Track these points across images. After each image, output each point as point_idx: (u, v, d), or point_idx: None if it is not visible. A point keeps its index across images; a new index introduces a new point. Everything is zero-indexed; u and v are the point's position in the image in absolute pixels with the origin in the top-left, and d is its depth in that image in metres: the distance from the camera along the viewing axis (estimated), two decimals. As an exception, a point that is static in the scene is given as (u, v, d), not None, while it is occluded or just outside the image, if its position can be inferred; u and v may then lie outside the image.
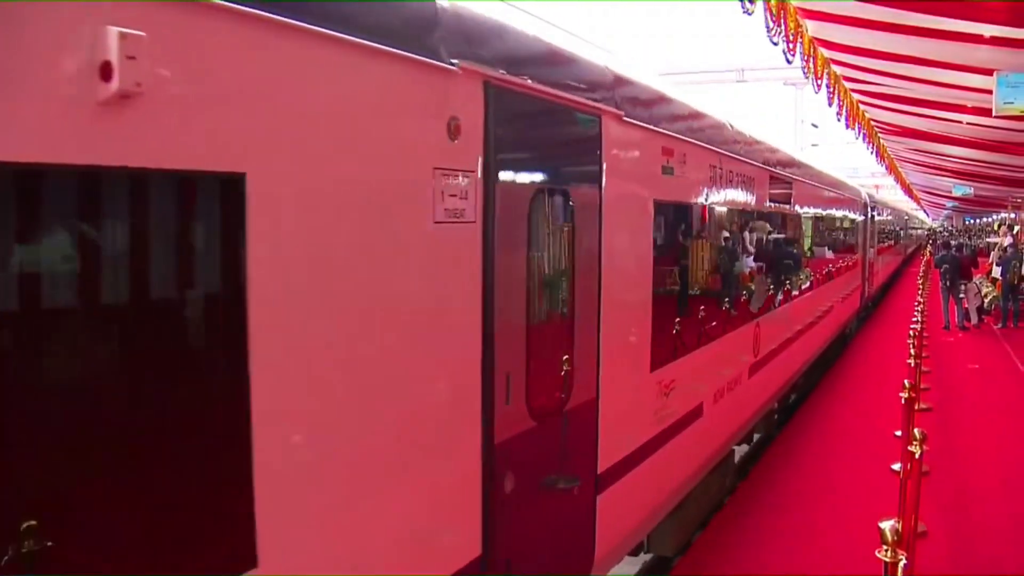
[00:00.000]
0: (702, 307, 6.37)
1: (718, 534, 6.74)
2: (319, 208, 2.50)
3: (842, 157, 35.23)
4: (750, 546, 6.44)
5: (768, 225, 8.87)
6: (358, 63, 2.63)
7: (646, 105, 5.16)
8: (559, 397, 4.03)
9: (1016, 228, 28.80)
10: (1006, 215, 34.25)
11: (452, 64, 3.05)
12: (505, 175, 3.44)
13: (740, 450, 9.33)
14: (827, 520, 6.99)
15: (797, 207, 10.41)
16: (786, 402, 11.29)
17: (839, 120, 16.43)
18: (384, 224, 2.79)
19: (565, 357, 4.06)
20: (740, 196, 7.40)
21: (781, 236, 9.63)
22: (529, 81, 3.58)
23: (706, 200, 6.35)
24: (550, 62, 4.07)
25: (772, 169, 8.77)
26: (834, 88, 14.07)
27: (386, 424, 2.85)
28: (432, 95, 3.01)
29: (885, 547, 4.06)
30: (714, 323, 6.59)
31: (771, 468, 8.48)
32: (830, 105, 14.76)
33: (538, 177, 3.89)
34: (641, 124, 4.88)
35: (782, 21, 9.41)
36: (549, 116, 3.91)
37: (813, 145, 32.10)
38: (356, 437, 2.72)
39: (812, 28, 11.07)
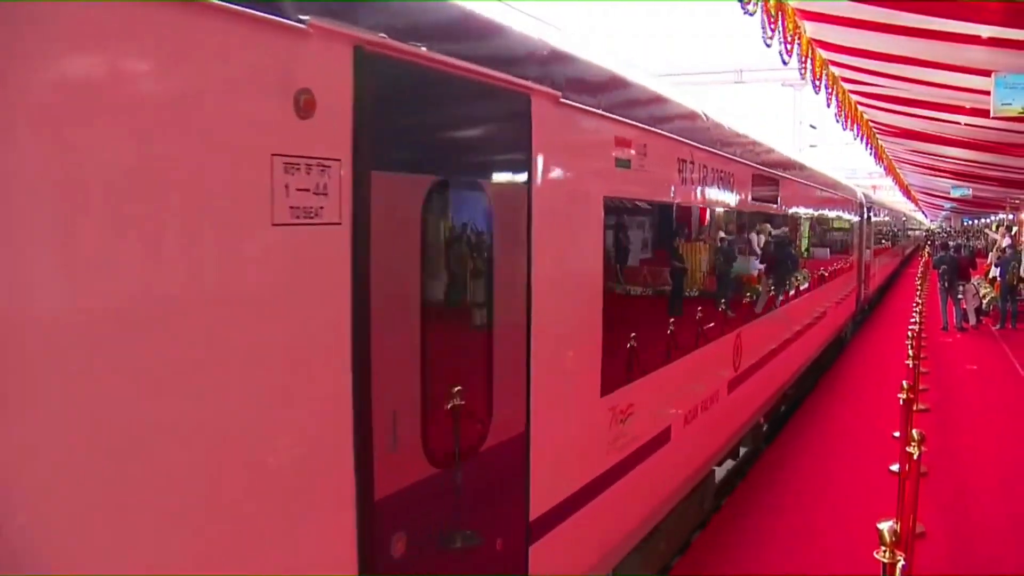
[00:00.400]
0: (669, 319, 5.69)
1: (717, 535, 6.75)
2: (82, 201, 1.91)
3: (841, 158, 35.38)
4: (749, 546, 6.45)
5: (751, 226, 8.19)
6: (142, 15, 2.00)
7: (594, 86, 4.47)
8: (472, 435, 3.37)
9: (1014, 229, 28.85)
10: (1004, 216, 34.30)
11: (300, 22, 2.40)
12: (388, 165, 2.80)
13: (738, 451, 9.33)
14: (826, 521, 6.99)
15: (785, 207, 9.82)
16: (777, 412, 10.82)
17: (838, 121, 16.46)
18: (189, 225, 2.14)
19: (480, 386, 3.40)
20: (717, 194, 6.75)
21: (766, 238, 8.94)
22: (424, 49, 2.91)
23: (674, 198, 5.66)
24: (458, 28, 3.37)
25: (757, 166, 8.09)
26: (833, 89, 14.09)
27: (199, 493, 2.18)
28: (267, 61, 2.34)
29: (884, 548, 4.07)
30: (684, 336, 5.94)
31: (770, 469, 8.48)
32: (829, 106, 14.78)
33: (437, 168, 3.16)
34: (587, 108, 4.21)
35: (779, 22, 9.42)
36: (456, 94, 3.22)
37: (812, 146, 32.16)
38: (154, 508, 2.06)
39: (810, 29, 11.09)
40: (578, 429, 4.32)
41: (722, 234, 7.13)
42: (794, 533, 6.74)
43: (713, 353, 6.73)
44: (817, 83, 12.90)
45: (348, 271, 2.63)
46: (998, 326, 19.18)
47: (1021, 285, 20.13)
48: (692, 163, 5.89)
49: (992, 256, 24.59)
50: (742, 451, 9.38)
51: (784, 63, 10.60)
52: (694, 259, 6.40)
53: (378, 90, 2.70)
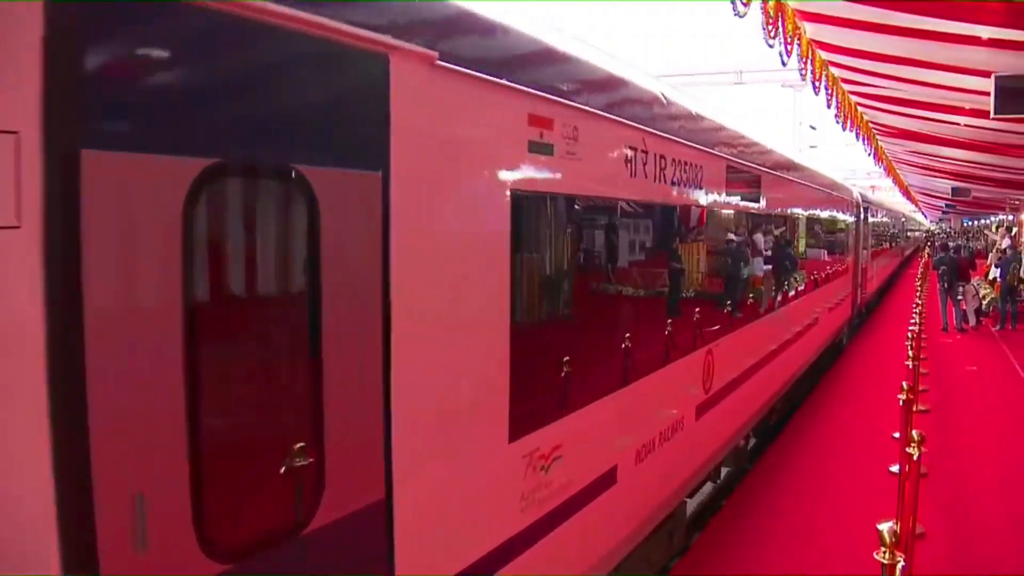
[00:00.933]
0: (613, 339, 4.87)
1: (717, 535, 6.75)
2: None
3: (841, 158, 35.45)
4: (749, 547, 6.45)
5: (724, 227, 7.31)
6: None
7: (494, 49, 3.59)
8: (287, 512, 2.50)
9: (1014, 230, 28.87)
10: (1004, 217, 34.33)
11: None
12: (116, 141, 1.99)
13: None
14: (826, 521, 6.99)
15: (769, 207, 8.97)
16: (766, 426, 10.15)
17: (837, 122, 16.46)
18: None
19: (302, 441, 2.52)
20: (680, 190, 5.81)
21: (743, 240, 8.03)
22: None
23: (619, 192, 4.84)
24: None
25: (734, 159, 7.21)
26: (832, 90, 14.09)
27: None
28: None
29: (884, 548, 4.07)
30: (634, 358, 5.07)
31: (769, 470, 8.48)
32: (829, 107, 14.78)
33: (215, 147, 2.27)
34: (482, 76, 3.32)
35: (779, 23, 9.43)
36: (256, 47, 2.38)
37: (812, 147, 32.18)
38: None
39: (810, 30, 11.09)
40: (472, 487, 3.42)
41: (685, 236, 6.29)
42: (794, 534, 6.74)
43: (675, 375, 5.84)
44: (817, 84, 12.90)
45: (39, 296, 1.85)
46: (998, 327, 19.19)
47: (1021, 286, 20.15)
48: (646, 152, 5.07)
49: (992, 257, 24.60)
50: (724, 471, 8.65)
51: (784, 64, 10.60)
52: (645, 266, 5.55)
53: (99, 29, 1.92)
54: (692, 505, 7.87)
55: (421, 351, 3.02)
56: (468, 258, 3.39)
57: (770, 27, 9.18)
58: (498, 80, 3.45)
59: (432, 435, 3.14)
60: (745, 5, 8.07)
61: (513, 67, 3.64)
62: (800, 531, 6.79)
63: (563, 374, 4.18)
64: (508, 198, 3.58)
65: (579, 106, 4.17)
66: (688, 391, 6.24)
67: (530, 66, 3.88)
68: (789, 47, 10.13)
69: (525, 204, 3.77)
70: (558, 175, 4.06)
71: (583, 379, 4.40)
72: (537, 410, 3.93)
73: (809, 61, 11.79)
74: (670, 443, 5.70)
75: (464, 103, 3.29)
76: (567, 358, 4.22)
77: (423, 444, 3.07)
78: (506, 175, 3.59)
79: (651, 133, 5.16)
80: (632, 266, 5.36)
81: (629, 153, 4.85)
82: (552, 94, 3.91)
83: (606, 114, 4.53)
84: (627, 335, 5.03)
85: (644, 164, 5.07)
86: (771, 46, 9.53)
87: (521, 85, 3.63)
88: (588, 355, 4.51)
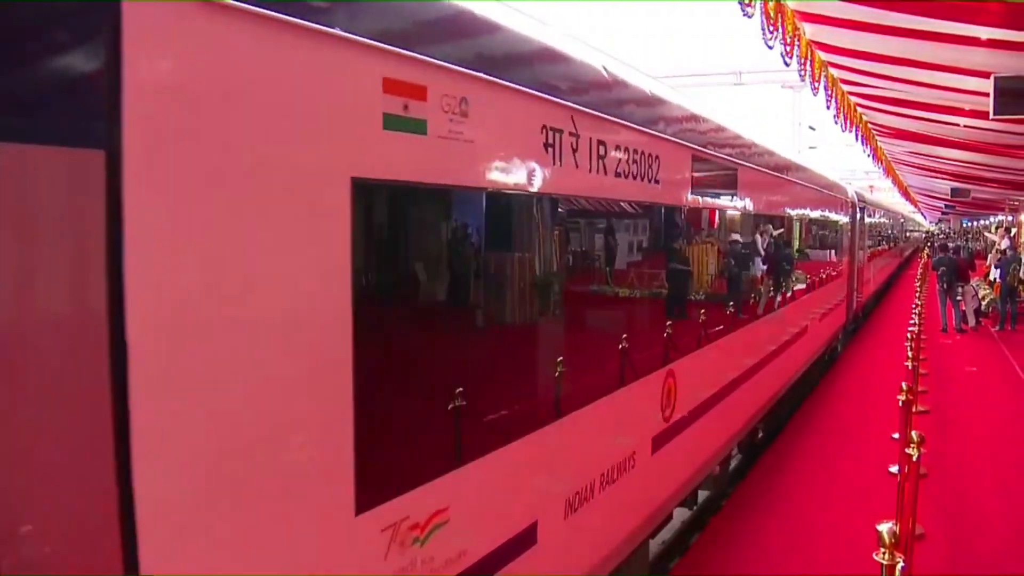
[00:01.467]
0: (521, 362, 3.95)
1: (716, 536, 6.75)
2: None
3: (840, 159, 35.50)
4: (749, 547, 6.45)
5: (691, 226, 6.40)
6: None
7: None
8: None
9: (1013, 231, 28.91)
10: (1003, 218, 34.37)
11: None
12: None
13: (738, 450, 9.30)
14: (825, 522, 6.99)
15: (746, 205, 8.00)
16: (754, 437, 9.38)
17: (836, 123, 16.48)
18: None
19: None
20: (629, 182, 4.88)
21: (718, 244, 7.14)
22: None
23: (534, 183, 3.81)
24: None
25: (697, 147, 6.17)
26: (832, 91, 14.12)
27: None
28: None
29: (883, 549, 4.08)
30: (558, 385, 4.13)
31: (768, 470, 8.49)
32: (828, 108, 14.80)
33: None
34: (291, 19, 2.40)
35: (779, 24, 9.45)
36: None
37: (811, 148, 32.22)
38: None
39: (810, 31, 11.11)
40: None
41: (636, 238, 5.45)
42: (794, 534, 6.74)
43: (623, 404, 4.91)
44: (816, 85, 12.92)
45: None
46: (997, 328, 19.20)
47: (1021, 287, 20.17)
48: (576, 135, 4.14)
49: (991, 258, 24.62)
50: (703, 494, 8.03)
51: (786, 64, 10.62)
52: (570, 270, 4.52)
53: None
54: (696, 504, 7.90)
55: (189, 394, 2.14)
56: (274, 268, 2.44)
57: (771, 28, 9.20)
58: (321, 27, 2.51)
59: (213, 514, 2.20)
60: (749, 6, 8.10)
61: (351, 10, 2.72)
62: (800, 531, 6.80)
63: (448, 412, 3.20)
64: (348, 190, 2.65)
65: (471, 72, 3.23)
66: (640, 422, 5.25)
67: (383, 12, 2.92)
68: (789, 48, 10.15)
69: (380, 198, 2.92)
70: (436, 160, 3.12)
71: (480, 418, 3.45)
72: (405, 466, 3.00)
73: (808, 62, 11.81)
74: (616, 485, 4.74)
75: (263, 58, 2.35)
76: (456, 391, 3.24)
77: (196, 529, 2.14)
78: (342, 159, 2.66)
79: (585, 112, 4.25)
80: (549, 271, 4.26)
81: (552, 136, 3.90)
82: (427, 54, 2.96)
83: (517, 85, 3.58)
84: (549, 358, 4.12)
85: (574, 150, 4.14)
86: (771, 47, 9.55)
87: (367, 38, 2.69)
88: (485, 386, 3.53)
